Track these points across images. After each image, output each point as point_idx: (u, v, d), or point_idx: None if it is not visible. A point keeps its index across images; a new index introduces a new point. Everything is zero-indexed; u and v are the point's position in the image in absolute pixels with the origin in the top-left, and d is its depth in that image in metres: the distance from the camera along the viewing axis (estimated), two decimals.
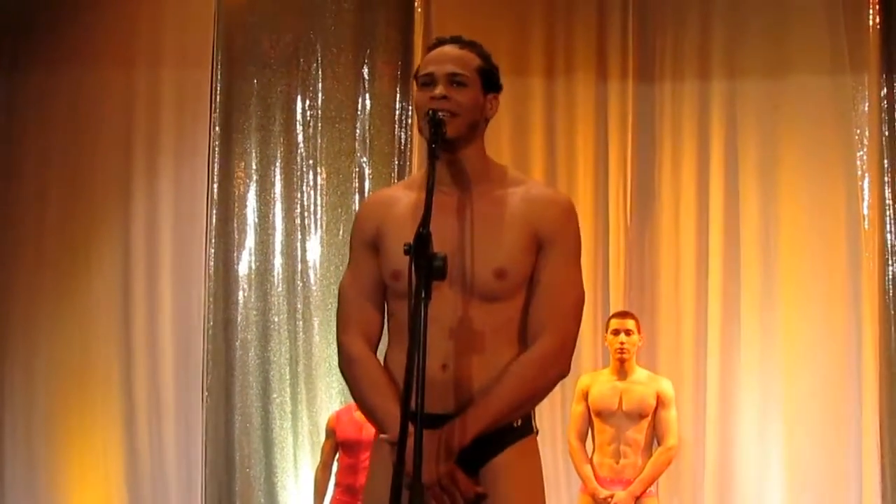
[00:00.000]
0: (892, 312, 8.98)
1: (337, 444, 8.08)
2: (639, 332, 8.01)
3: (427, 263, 3.57)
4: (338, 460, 8.14)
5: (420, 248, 3.56)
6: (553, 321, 3.65)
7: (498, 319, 3.68)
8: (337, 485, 8.07)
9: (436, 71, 3.76)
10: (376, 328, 3.85)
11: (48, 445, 9.55)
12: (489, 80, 3.83)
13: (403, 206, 3.80)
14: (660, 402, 7.85)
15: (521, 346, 3.69)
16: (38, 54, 9.74)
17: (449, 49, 3.81)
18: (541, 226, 3.68)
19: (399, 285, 3.72)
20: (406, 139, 9.58)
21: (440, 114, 3.65)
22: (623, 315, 8.05)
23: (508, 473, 3.68)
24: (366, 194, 9.58)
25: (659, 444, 7.80)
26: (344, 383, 8.35)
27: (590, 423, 7.95)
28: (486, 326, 3.67)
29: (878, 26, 9.03)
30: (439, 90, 3.74)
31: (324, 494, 8.20)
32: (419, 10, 9.42)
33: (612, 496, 7.68)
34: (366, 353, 3.83)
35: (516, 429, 3.65)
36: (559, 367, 3.63)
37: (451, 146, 3.73)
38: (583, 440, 7.97)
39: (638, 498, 7.74)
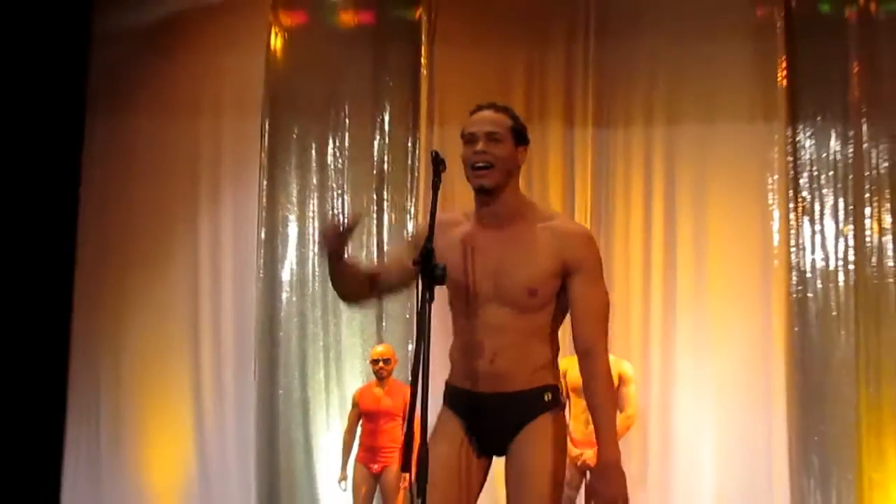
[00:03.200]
0: (795, 308, 9.44)
1: (360, 413, 8.92)
2: None
3: (430, 272, 3.99)
4: (360, 426, 8.94)
5: (425, 260, 3.98)
6: (594, 336, 4.04)
7: (532, 326, 4.07)
8: (360, 445, 8.92)
9: (477, 131, 4.11)
10: (375, 272, 4.36)
11: (132, 413, 10.17)
12: (519, 136, 4.18)
13: (458, 232, 4.17)
14: (621, 380, 8.32)
15: (551, 343, 4.14)
16: (128, 103, 10.31)
17: (486, 113, 4.18)
18: (568, 255, 4.03)
19: (452, 290, 4.20)
20: (414, 173, 10.10)
21: (479, 164, 4.03)
22: None
23: (539, 435, 4.11)
24: (384, 217, 10.10)
25: (620, 413, 8.13)
26: (366, 365, 9.35)
27: (567, 397, 7.98)
28: (522, 331, 4.07)
29: (785, 84, 9.55)
30: (480, 146, 4.09)
31: (349, 451, 8.99)
32: (424, 71, 10.00)
33: (582, 454, 8.22)
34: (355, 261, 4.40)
35: (548, 402, 4.12)
36: (608, 370, 4.10)
37: (491, 192, 4.08)
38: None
39: None
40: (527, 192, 9.70)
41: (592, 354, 4.06)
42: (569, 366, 7.53)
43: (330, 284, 9.64)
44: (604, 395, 4.09)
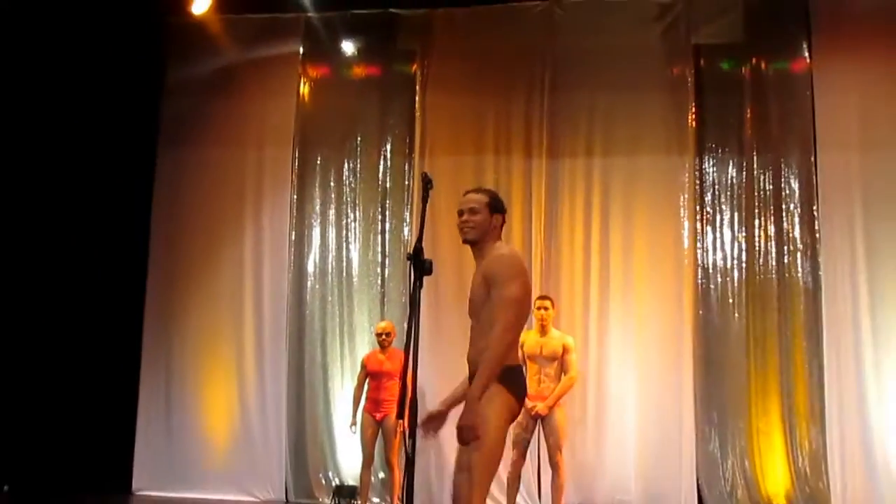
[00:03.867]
0: (700, 297, 9.53)
1: (367, 374, 8.95)
2: (553, 307, 8.44)
3: (420, 265, 4.22)
4: (367, 384, 8.96)
5: (416, 255, 4.24)
6: (497, 317, 4.42)
7: (484, 327, 4.50)
8: (367, 398, 8.93)
9: (463, 207, 4.66)
10: None
11: (192, 379, 10.29)
12: (494, 207, 4.66)
13: None
14: (565, 349, 8.29)
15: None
16: (190, 138, 10.42)
17: (470, 195, 4.72)
18: (486, 275, 4.55)
19: None
20: (409, 191, 10.13)
21: (462, 227, 4.58)
22: (544, 298, 8.45)
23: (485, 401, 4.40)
24: (386, 224, 10.13)
25: (565, 375, 8.25)
26: (372, 337, 9.32)
27: (523, 362, 8.20)
28: (481, 329, 4.52)
29: (694, 126, 9.59)
30: (464, 217, 4.64)
31: (358, 403, 8.97)
32: (418, 113, 10.09)
33: (535, 406, 8.10)
34: None
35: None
36: (499, 338, 4.36)
37: (472, 244, 4.64)
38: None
39: (551, 407, 8.15)
40: None
41: (494, 329, 4.44)
42: (525, 339, 8.26)
43: (344, 275, 9.29)
44: (488, 354, 4.43)
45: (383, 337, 8.97)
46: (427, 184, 4.55)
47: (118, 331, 10.30)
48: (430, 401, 9.55)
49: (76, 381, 10.10)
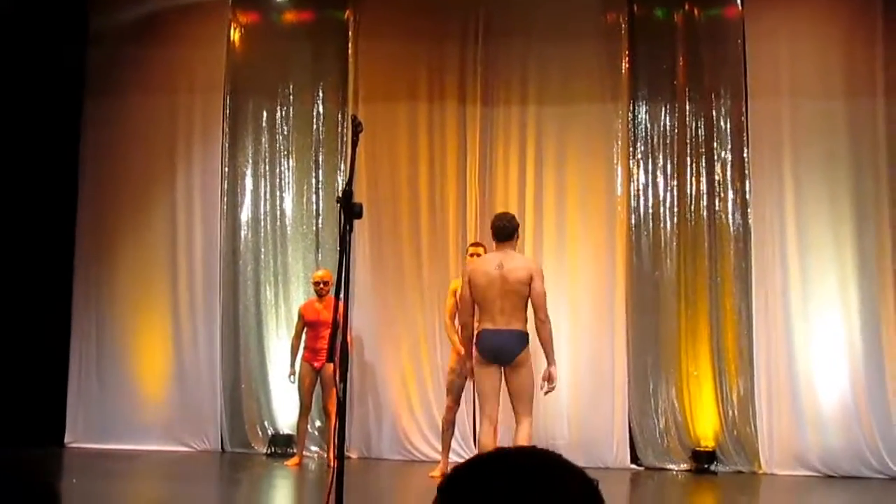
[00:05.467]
0: (633, 242, 9.68)
1: (304, 323, 9.12)
2: (486, 254, 8.22)
3: (350, 209, 4.23)
4: (305, 333, 9.13)
5: (346, 199, 4.24)
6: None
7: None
8: (305, 348, 9.12)
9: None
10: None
11: (123, 326, 10.29)
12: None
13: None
14: None
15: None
16: (117, 87, 10.30)
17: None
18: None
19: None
20: (342, 138, 10.10)
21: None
22: (477, 244, 8.59)
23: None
24: (319, 172, 10.10)
25: None
26: (308, 286, 9.40)
27: (456, 309, 7.95)
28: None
29: (627, 73, 9.75)
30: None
31: (297, 353, 9.17)
32: (351, 60, 10.08)
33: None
34: None
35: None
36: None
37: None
38: (452, 320, 8.33)
39: None
40: (427, 154, 9.90)
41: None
42: (457, 285, 8.18)
43: (278, 224, 9.69)
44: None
45: (321, 286, 9.08)
46: (357, 126, 4.55)
47: (48, 282, 10.24)
48: (367, 345, 9.83)
49: (4, 333, 10.01)
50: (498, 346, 6.91)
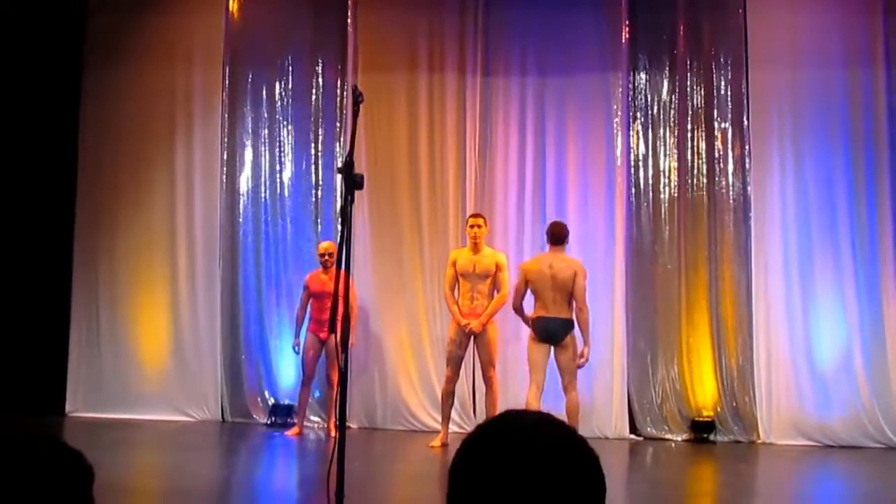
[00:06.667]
0: (633, 212, 9.67)
1: (310, 294, 9.15)
2: (486, 225, 8.72)
3: (352, 179, 4.21)
4: (310, 304, 9.17)
5: (348, 168, 4.22)
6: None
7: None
8: (310, 319, 9.16)
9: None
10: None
11: (123, 298, 10.29)
12: None
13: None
14: (498, 267, 8.57)
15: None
16: (117, 57, 10.25)
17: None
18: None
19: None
20: (342, 110, 10.07)
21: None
22: (476, 216, 8.76)
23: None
24: (318, 142, 10.06)
25: (497, 293, 8.56)
26: (306, 255, 9.55)
27: (456, 280, 8.65)
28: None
29: (628, 44, 9.71)
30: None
31: (301, 324, 9.20)
32: (350, 31, 10.01)
33: (469, 323, 8.48)
34: None
35: None
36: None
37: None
38: (452, 290, 8.62)
39: (484, 325, 8.50)
40: (427, 127, 9.91)
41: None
42: (458, 256, 8.50)
43: (278, 195, 9.78)
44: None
45: (326, 257, 9.08)
46: (357, 97, 4.50)
47: (49, 252, 10.25)
48: (371, 315, 9.84)
49: (6, 302, 10.03)
50: (551, 329, 8.18)
